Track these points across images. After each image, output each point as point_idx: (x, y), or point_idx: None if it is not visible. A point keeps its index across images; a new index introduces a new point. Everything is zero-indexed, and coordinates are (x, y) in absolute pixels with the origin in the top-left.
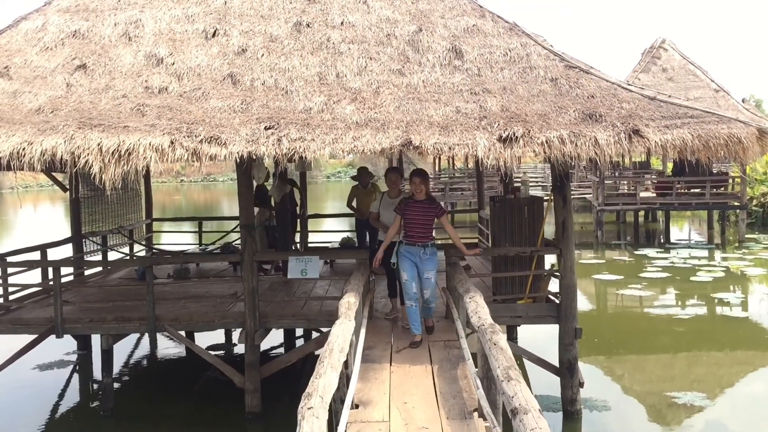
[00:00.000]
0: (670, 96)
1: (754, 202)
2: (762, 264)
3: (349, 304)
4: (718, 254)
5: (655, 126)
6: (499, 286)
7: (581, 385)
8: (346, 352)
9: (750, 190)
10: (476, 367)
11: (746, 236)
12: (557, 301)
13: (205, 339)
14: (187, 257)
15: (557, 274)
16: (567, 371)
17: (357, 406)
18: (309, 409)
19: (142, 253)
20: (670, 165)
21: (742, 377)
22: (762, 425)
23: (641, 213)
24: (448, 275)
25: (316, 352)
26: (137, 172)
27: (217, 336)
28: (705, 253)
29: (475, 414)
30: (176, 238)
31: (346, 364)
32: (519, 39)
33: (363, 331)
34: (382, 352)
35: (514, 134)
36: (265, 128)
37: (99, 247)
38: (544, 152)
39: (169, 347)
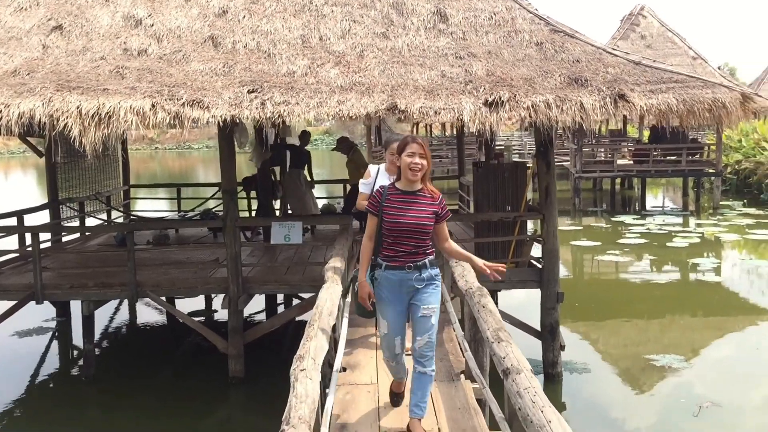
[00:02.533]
0: (654, 61)
1: (729, 169)
2: (736, 230)
3: (335, 268)
4: (692, 221)
5: (641, 91)
6: (481, 251)
7: (562, 348)
8: (335, 315)
9: (725, 157)
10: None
11: (720, 203)
12: (539, 266)
13: (185, 305)
14: (169, 223)
15: (540, 239)
16: (549, 335)
17: (344, 369)
18: (302, 371)
19: (120, 220)
20: (646, 132)
21: (714, 341)
22: (728, 386)
23: (617, 180)
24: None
25: (298, 318)
26: (118, 136)
27: (197, 302)
28: (680, 219)
29: (462, 376)
30: (152, 205)
31: (333, 328)
32: (504, 2)
33: (349, 296)
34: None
35: (500, 99)
36: (249, 92)
37: (76, 214)
38: (530, 117)
39: (148, 314)
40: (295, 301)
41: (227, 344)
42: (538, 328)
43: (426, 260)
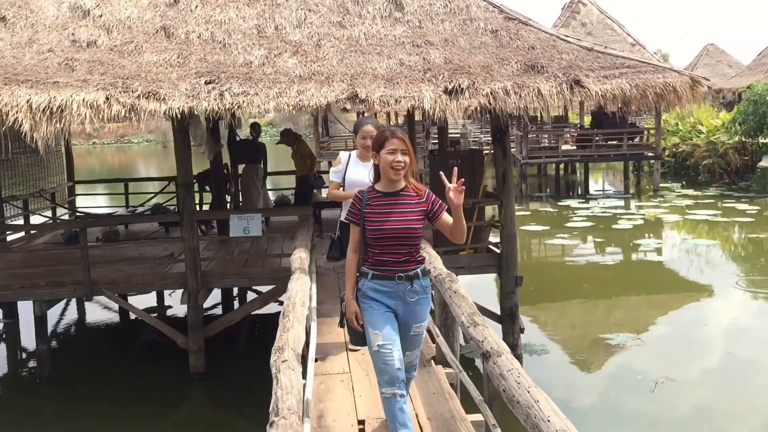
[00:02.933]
0: (606, 47)
1: (666, 152)
2: (676, 211)
3: (302, 259)
4: (633, 203)
5: (595, 76)
6: (440, 238)
7: (522, 331)
8: (308, 306)
9: (663, 141)
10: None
11: (660, 185)
12: (498, 251)
13: (136, 303)
14: (122, 219)
15: (498, 224)
16: (508, 318)
17: (315, 360)
18: (284, 362)
19: (66, 218)
20: (587, 118)
21: (661, 319)
22: (680, 361)
23: (561, 165)
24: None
25: (253, 312)
26: (69, 131)
27: (149, 299)
28: (622, 202)
29: (433, 361)
30: (95, 202)
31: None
32: None
33: (314, 287)
34: (332, 307)
35: (460, 86)
36: (206, 83)
37: (21, 212)
38: (489, 104)
39: (98, 313)
40: (251, 294)
41: (187, 340)
42: (496, 311)
43: (418, 269)
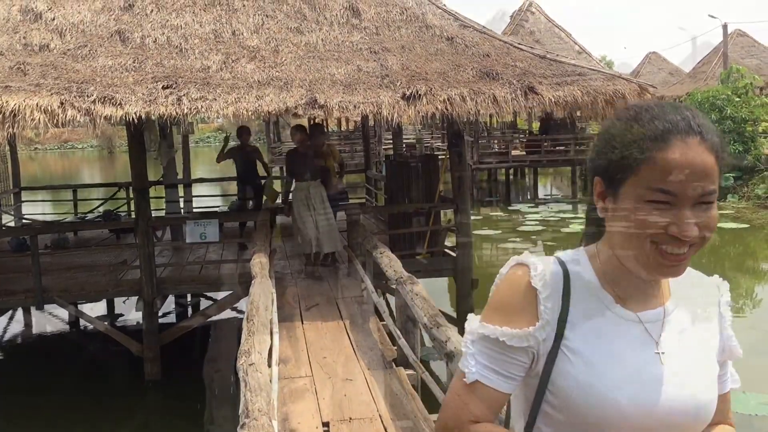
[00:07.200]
0: (557, 55)
1: None
2: None
3: (262, 264)
4: (581, 207)
5: (548, 83)
6: (396, 242)
7: None
8: (271, 310)
9: None
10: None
11: None
12: (454, 254)
13: (86, 311)
14: (77, 225)
15: (454, 228)
16: (465, 321)
17: (278, 364)
18: (251, 365)
19: (12, 224)
20: (535, 125)
21: None
22: None
23: (511, 171)
24: (350, 233)
25: (212, 318)
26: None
27: (99, 307)
28: (570, 206)
29: (394, 363)
30: (41, 209)
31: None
32: None
33: (273, 291)
34: (292, 311)
35: (417, 92)
36: (163, 87)
37: None
38: (447, 110)
39: (44, 322)
40: (203, 301)
41: (142, 347)
42: (451, 314)
43: None
